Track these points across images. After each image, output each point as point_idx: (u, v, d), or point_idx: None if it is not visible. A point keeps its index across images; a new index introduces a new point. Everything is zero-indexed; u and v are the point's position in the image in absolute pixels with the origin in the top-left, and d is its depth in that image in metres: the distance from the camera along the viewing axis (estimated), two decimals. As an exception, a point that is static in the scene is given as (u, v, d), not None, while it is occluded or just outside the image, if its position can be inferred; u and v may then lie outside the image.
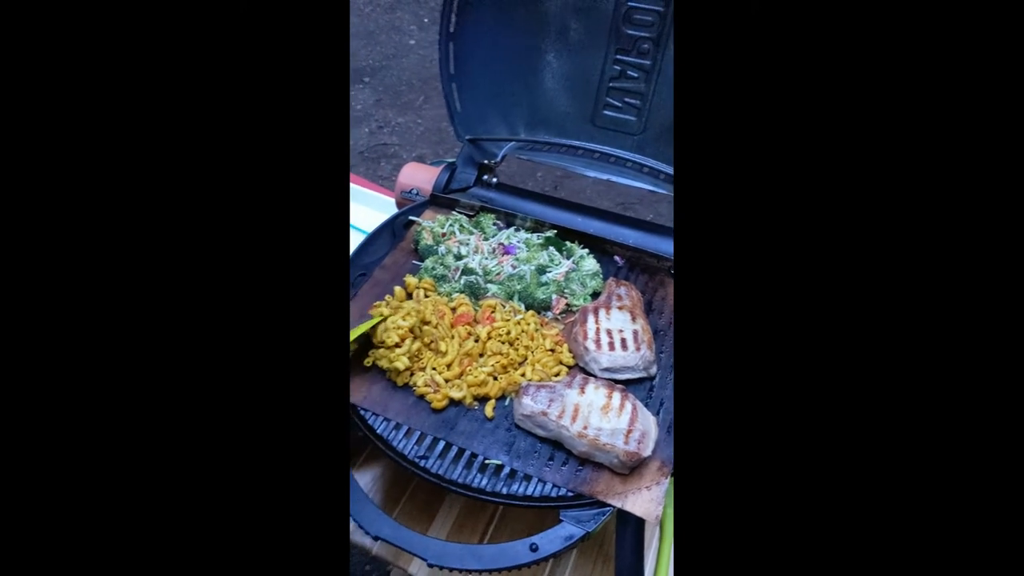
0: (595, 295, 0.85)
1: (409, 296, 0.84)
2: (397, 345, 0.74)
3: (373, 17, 3.18)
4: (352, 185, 1.25)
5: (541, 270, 0.85)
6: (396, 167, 2.45)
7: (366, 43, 3.03)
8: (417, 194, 0.99)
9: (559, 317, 0.83)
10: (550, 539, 0.62)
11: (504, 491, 0.65)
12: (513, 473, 0.67)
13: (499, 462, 0.68)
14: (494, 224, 0.93)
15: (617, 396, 0.68)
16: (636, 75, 0.91)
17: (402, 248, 0.92)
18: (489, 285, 0.84)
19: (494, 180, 1.00)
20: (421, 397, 0.73)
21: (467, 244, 0.89)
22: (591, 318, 0.78)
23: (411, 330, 0.75)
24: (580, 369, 0.77)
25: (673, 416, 0.71)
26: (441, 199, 0.97)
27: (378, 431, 0.70)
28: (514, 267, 0.86)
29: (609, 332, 0.76)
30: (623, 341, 0.75)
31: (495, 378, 0.74)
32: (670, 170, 0.91)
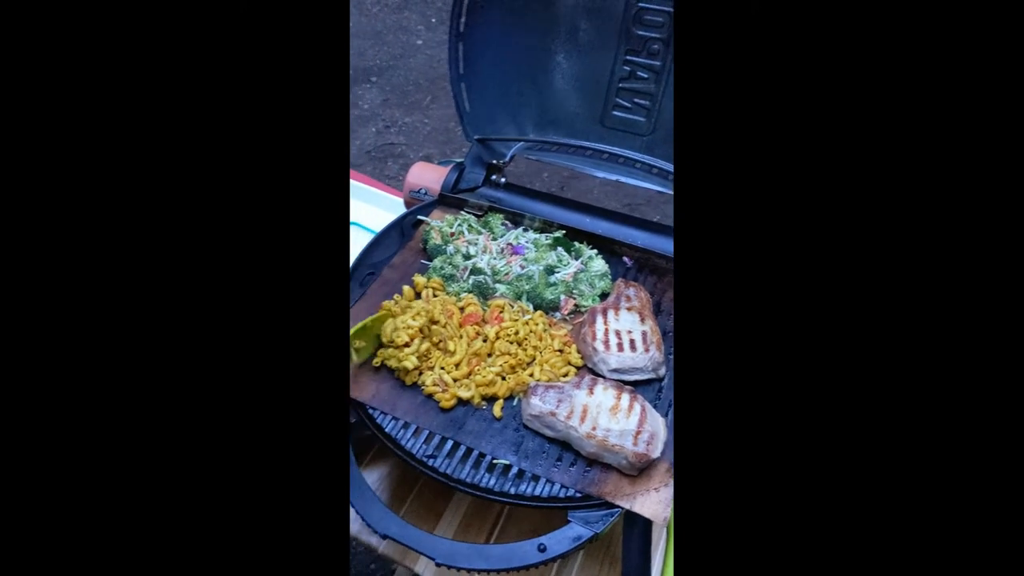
0: (604, 296, 0.85)
1: (418, 295, 0.84)
2: (406, 344, 0.74)
3: (381, 17, 3.19)
4: (360, 184, 1.26)
5: (550, 270, 0.85)
6: (402, 166, 2.45)
7: (373, 43, 3.04)
8: (426, 194, 0.99)
9: (567, 318, 0.83)
10: (558, 540, 0.62)
11: (512, 491, 0.65)
12: (521, 473, 0.67)
13: (507, 462, 0.68)
14: (503, 224, 0.93)
15: (626, 397, 0.68)
16: (646, 76, 0.91)
17: (411, 247, 0.92)
18: (498, 285, 0.84)
19: (503, 180, 1.00)
20: (429, 396, 0.73)
21: (476, 244, 0.89)
22: (600, 319, 0.78)
23: (420, 330, 0.75)
24: (588, 370, 0.77)
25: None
26: (450, 199, 0.97)
27: (387, 430, 0.71)
28: (523, 267, 0.86)
29: (618, 333, 0.76)
30: (632, 342, 0.75)
31: (503, 378, 0.74)
32: (679, 171, 0.91)
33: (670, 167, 0.91)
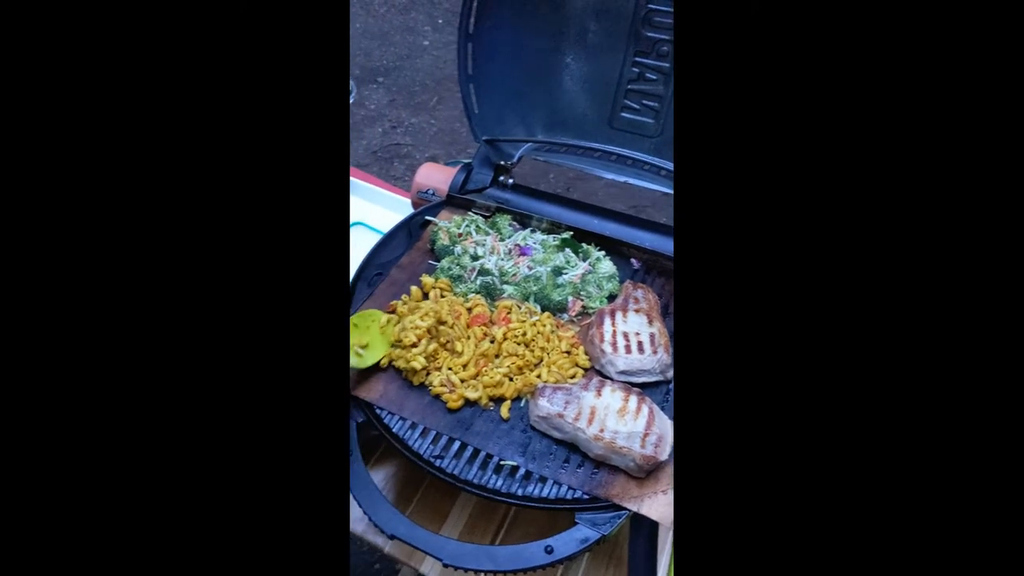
0: (611, 297, 0.85)
1: (425, 296, 0.84)
2: (414, 345, 0.74)
3: (387, 18, 3.20)
4: (367, 184, 1.26)
5: (557, 272, 0.85)
6: (409, 167, 2.45)
7: (380, 44, 3.04)
8: (433, 194, 0.99)
9: (575, 319, 0.83)
10: (565, 541, 0.62)
11: (519, 492, 0.65)
12: (528, 474, 0.67)
13: (514, 463, 0.67)
14: (510, 225, 0.93)
15: (634, 399, 0.68)
16: (655, 77, 0.90)
17: (418, 248, 0.92)
18: (505, 286, 0.84)
19: (510, 181, 1.00)
20: (437, 397, 0.73)
21: (483, 245, 0.89)
22: (608, 320, 0.78)
23: (428, 330, 0.75)
24: (596, 372, 0.77)
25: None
26: (457, 199, 0.97)
27: (394, 430, 0.71)
28: (530, 268, 0.86)
29: (626, 335, 0.76)
30: (640, 344, 0.75)
31: (511, 379, 0.74)
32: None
33: (678, 169, 0.91)
